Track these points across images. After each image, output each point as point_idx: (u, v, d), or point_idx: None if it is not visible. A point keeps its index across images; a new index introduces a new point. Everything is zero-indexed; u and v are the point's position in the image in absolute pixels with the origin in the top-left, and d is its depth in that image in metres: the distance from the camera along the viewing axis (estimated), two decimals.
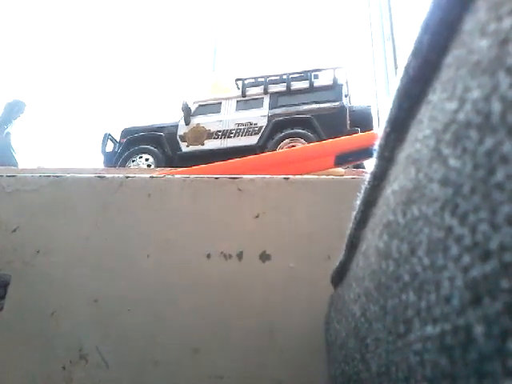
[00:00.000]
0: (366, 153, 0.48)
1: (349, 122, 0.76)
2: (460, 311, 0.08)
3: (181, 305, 0.32)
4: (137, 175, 0.38)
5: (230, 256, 0.33)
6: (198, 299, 0.32)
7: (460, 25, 0.11)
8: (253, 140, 0.80)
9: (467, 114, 0.09)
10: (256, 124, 0.81)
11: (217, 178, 0.37)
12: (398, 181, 0.13)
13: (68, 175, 0.39)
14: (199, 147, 0.83)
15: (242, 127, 0.81)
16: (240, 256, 0.33)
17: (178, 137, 0.86)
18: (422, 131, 0.12)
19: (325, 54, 1.33)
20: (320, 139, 0.72)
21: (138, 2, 1.59)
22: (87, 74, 1.51)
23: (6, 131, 1.07)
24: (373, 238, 0.15)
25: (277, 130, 0.79)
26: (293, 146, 0.75)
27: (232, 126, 0.82)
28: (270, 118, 0.81)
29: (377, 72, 1.26)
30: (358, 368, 0.16)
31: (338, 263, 0.21)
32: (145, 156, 0.88)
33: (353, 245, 0.19)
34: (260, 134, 0.80)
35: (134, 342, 0.32)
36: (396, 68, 1.20)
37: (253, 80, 0.86)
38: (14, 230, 0.37)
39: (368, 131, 0.71)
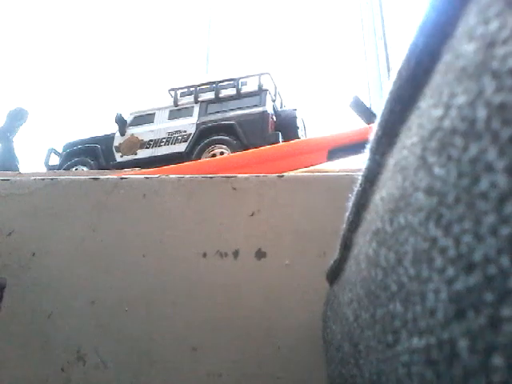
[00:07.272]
0: (359, 147, 0.48)
1: (274, 126, 0.76)
2: (444, 324, 0.08)
3: (178, 304, 0.32)
4: (131, 176, 0.38)
5: (226, 254, 0.33)
6: (195, 298, 0.32)
7: (453, 29, 0.11)
8: (181, 147, 0.80)
9: (452, 121, 0.09)
10: (185, 132, 0.82)
11: (211, 178, 0.37)
12: (386, 188, 0.13)
13: (62, 177, 0.39)
14: (132, 157, 0.84)
15: (173, 136, 0.83)
16: (236, 254, 0.33)
17: (113, 148, 0.87)
18: (409, 138, 0.12)
19: (318, 53, 1.33)
20: (243, 145, 0.73)
21: (129, 6, 1.59)
22: (76, 77, 1.51)
23: (8, 139, 1.07)
24: (364, 244, 0.15)
25: (203, 137, 0.80)
26: (221, 154, 0.74)
27: (163, 135, 0.83)
28: (198, 125, 0.82)
29: (369, 71, 1.27)
30: (353, 372, 0.15)
31: (332, 261, 0.21)
32: (81, 168, 0.89)
33: (346, 246, 0.18)
34: (188, 141, 0.81)
35: (132, 342, 0.32)
36: (388, 66, 1.21)
37: (185, 89, 0.87)
38: (10, 234, 0.37)
39: (294, 134, 0.72)
